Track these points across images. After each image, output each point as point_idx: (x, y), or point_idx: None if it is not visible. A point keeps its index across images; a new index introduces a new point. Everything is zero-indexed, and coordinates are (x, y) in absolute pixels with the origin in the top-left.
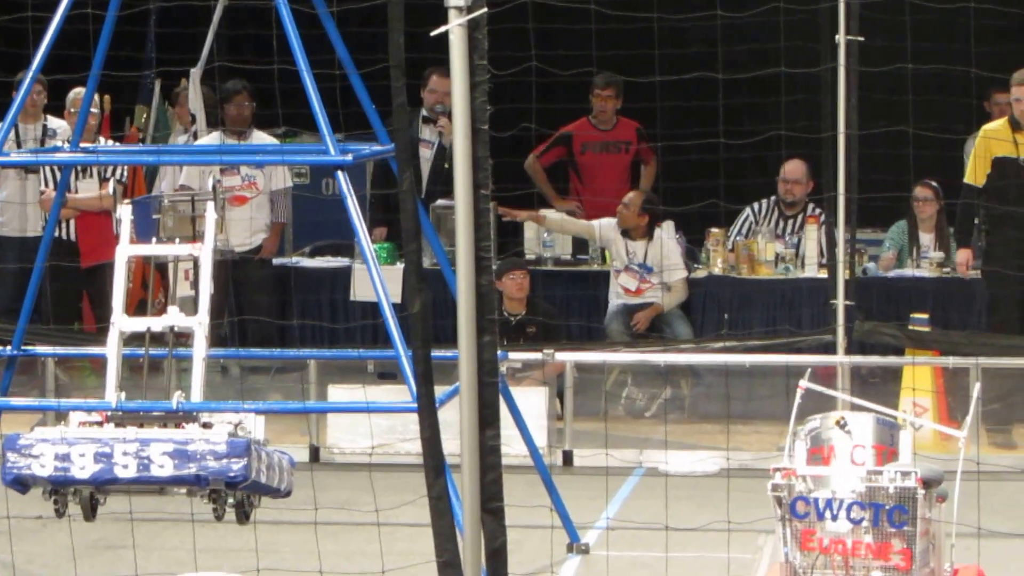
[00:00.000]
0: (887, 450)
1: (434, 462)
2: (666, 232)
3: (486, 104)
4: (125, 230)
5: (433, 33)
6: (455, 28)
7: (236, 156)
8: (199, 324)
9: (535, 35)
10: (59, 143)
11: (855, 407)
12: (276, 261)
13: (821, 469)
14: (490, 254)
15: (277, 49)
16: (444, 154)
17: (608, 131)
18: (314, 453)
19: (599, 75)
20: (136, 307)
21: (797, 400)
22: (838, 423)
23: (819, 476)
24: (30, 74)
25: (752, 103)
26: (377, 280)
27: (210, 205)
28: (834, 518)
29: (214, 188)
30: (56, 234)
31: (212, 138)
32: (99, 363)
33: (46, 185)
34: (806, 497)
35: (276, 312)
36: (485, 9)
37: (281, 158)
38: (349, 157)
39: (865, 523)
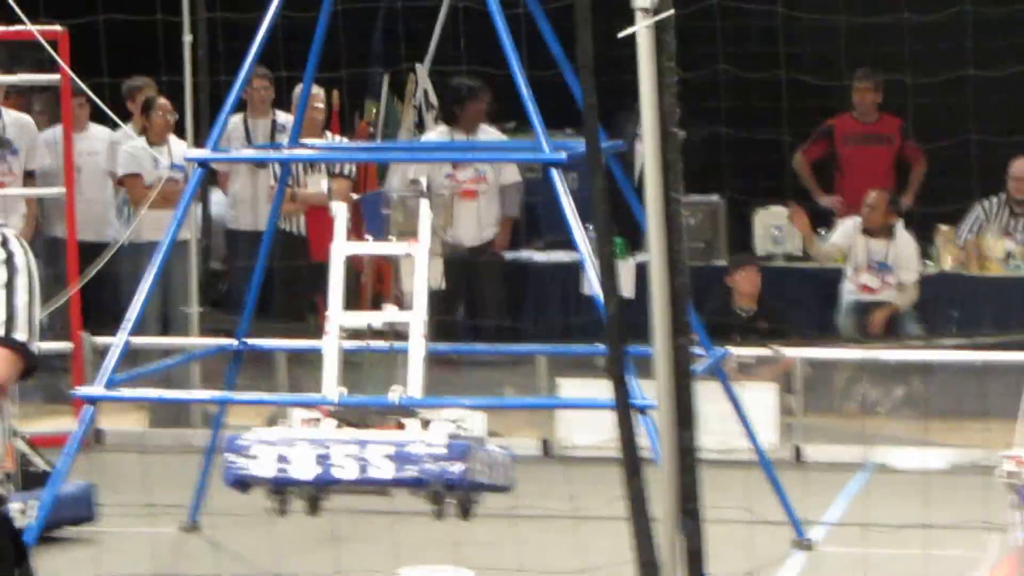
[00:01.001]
0: None
1: (631, 463)
2: (903, 230)
3: (675, 107)
4: (340, 227)
5: (620, 34)
6: (642, 30)
7: (449, 153)
8: (415, 319)
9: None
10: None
11: None
12: (509, 255)
13: None
14: (683, 255)
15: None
16: None
17: (870, 124)
18: (545, 447)
19: (859, 69)
20: (372, 301)
21: None
22: None
23: None
24: (243, 71)
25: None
26: (594, 277)
27: (424, 202)
28: None
29: (428, 185)
30: (287, 229)
31: (440, 133)
32: None
33: (276, 180)
34: None
35: (509, 306)
36: (672, 11)
37: (495, 155)
38: (563, 155)
39: None
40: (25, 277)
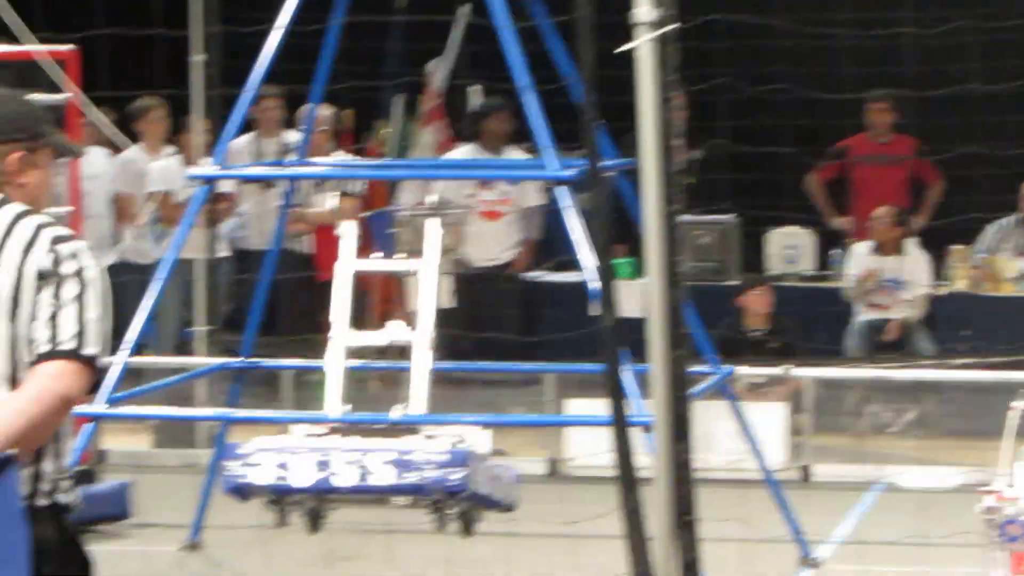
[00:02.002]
0: None
1: (627, 477)
2: (914, 246)
3: (674, 120)
4: (347, 246)
5: (618, 50)
6: (642, 44)
7: (454, 171)
8: (419, 338)
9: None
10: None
11: None
12: (526, 276)
13: None
14: (681, 268)
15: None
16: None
17: (884, 144)
18: (552, 466)
19: (873, 89)
20: (380, 321)
21: (1016, 420)
22: None
23: None
24: (249, 90)
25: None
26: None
27: (433, 220)
28: None
29: (440, 204)
30: (294, 249)
31: (466, 151)
32: None
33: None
34: (1017, 520)
35: (522, 326)
36: (677, 24)
37: (501, 173)
38: (569, 172)
39: None
40: (95, 291)
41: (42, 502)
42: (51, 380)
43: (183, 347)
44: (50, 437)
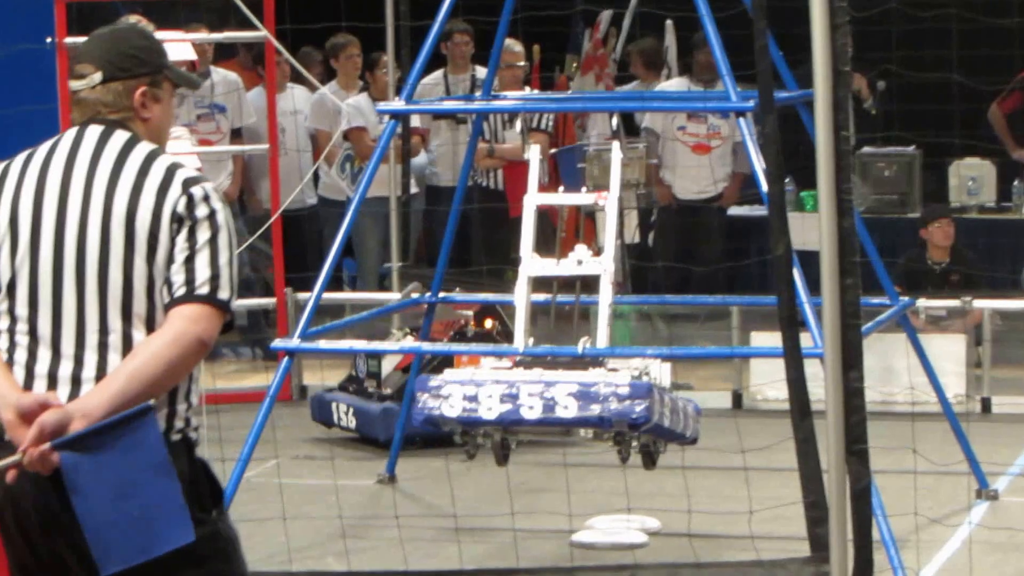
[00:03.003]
0: None
1: (800, 405)
2: None
3: (847, 47)
4: (533, 175)
5: None
6: None
7: (638, 103)
8: (604, 271)
9: None
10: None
11: None
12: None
13: None
14: (851, 196)
15: None
16: (859, 103)
17: None
18: (736, 399)
19: None
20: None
21: None
22: None
23: None
24: (436, 25)
25: None
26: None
27: (616, 154)
28: None
29: (617, 132)
30: (484, 184)
31: (678, 83)
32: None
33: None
34: None
35: (725, 260)
36: None
37: (682, 104)
38: (750, 103)
39: None
40: (226, 234)
41: (175, 437)
42: (188, 323)
43: (383, 283)
44: (184, 378)
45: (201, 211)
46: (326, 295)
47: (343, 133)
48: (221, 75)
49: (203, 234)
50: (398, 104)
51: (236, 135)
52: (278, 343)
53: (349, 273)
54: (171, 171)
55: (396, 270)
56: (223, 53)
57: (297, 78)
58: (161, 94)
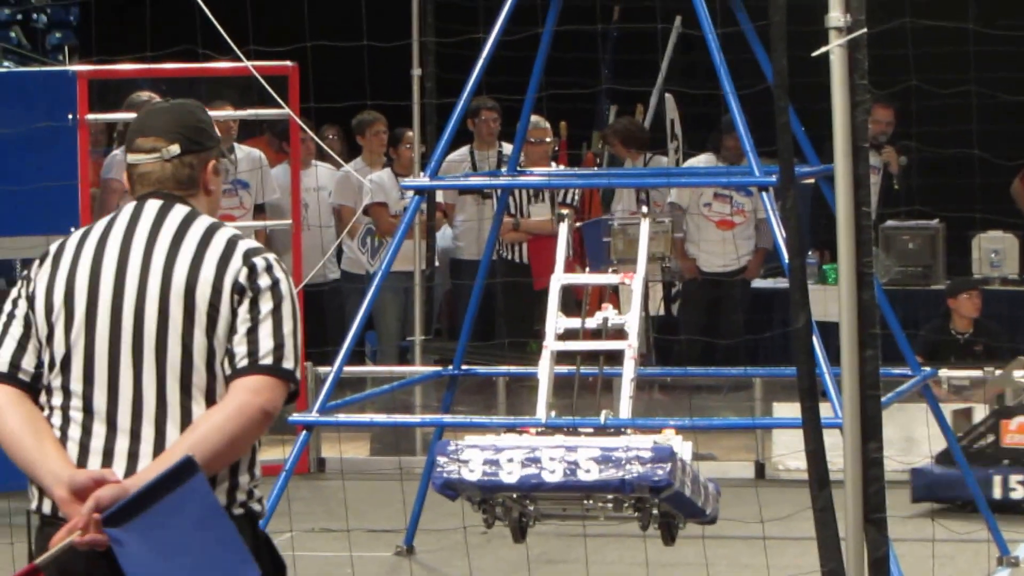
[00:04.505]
0: None
1: (818, 475)
2: None
3: (867, 124)
4: (560, 253)
5: (814, 53)
6: (835, 48)
7: (666, 179)
8: (628, 346)
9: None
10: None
11: None
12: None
13: None
14: (871, 269)
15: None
16: (891, 179)
17: None
18: (759, 469)
19: None
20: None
21: None
22: None
23: None
24: (461, 101)
25: None
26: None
27: (644, 226)
28: None
29: (648, 209)
30: (509, 257)
31: (705, 160)
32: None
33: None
34: None
35: (747, 331)
36: (865, 29)
37: (707, 179)
38: (772, 178)
39: None
40: (290, 304)
41: (238, 511)
42: (251, 395)
43: (404, 356)
44: (247, 450)
45: (263, 281)
46: (347, 368)
47: (364, 208)
48: (244, 152)
49: (266, 304)
50: (423, 180)
51: (259, 210)
52: (296, 416)
53: (372, 347)
54: (232, 242)
55: (418, 343)
56: (247, 130)
57: (322, 155)
58: (220, 168)
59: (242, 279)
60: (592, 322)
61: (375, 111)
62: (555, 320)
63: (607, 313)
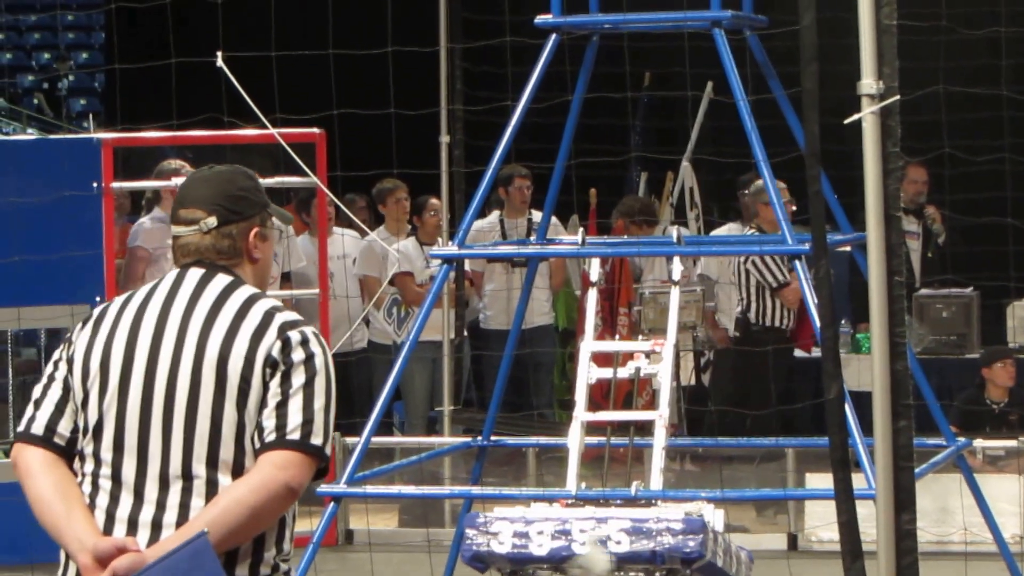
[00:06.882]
0: None
1: (851, 547)
2: None
3: (899, 191)
4: (589, 322)
5: (847, 121)
6: (868, 116)
7: (697, 248)
8: (659, 417)
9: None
10: None
11: None
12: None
13: None
14: (904, 339)
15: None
16: (929, 244)
17: None
18: (792, 541)
19: None
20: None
21: None
22: None
23: None
24: (489, 170)
25: None
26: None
27: (674, 299)
28: None
29: (675, 280)
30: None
31: (730, 228)
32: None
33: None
34: None
35: (780, 401)
36: (897, 96)
37: (738, 248)
38: (806, 246)
39: None
40: (323, 379)
41: None
42: (277, 470)
43: (432, 427)
44: (273, 524)
45: (297, 355)
46: (375, 439)
47: (390, 278)
48: None
49: (298, 378)
50: (452, 249)
51: (285, 279)
52: (324, 488)
53: (400, 417)
54: (269, 315)
55: (447, 414)
56: (273, 197)
57: (345, 222)
58: (268, 233)
59: (275, 352)
60: (624, 372)
61: (397, 179)
62: (585, 388)
63: (639, 363)
